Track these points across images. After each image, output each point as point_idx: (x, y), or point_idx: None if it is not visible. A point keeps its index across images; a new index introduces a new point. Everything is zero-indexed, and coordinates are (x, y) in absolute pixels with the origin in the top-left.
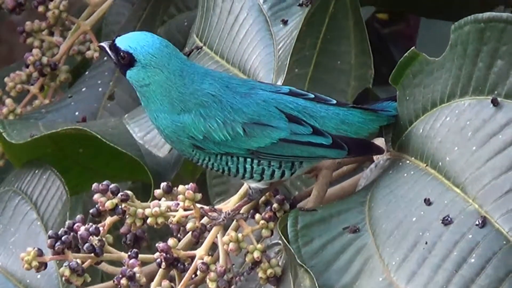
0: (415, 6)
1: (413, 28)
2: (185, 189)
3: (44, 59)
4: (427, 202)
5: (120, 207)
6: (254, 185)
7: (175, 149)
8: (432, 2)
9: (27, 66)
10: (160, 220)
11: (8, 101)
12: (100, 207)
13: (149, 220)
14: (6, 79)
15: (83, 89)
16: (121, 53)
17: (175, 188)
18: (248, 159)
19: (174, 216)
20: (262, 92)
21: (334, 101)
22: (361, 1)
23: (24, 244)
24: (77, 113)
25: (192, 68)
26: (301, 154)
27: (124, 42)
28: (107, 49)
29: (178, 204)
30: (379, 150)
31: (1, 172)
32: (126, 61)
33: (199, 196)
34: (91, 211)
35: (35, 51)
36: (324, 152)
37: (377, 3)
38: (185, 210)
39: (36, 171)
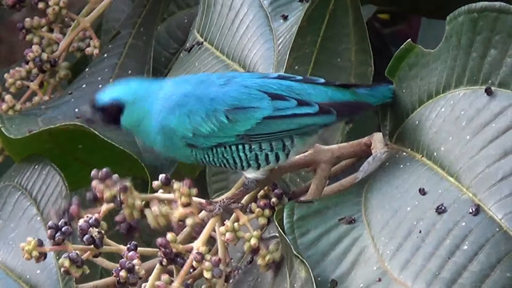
0: (416, 6)
1: (414, 28)
2: (180, 186)
3: (44, 56)
4: (422, 192)
5: (118, 198)
6: (251, 175)
7: (182, 160)
8: (432, 2)
9: (27, 63)
10: (161, 220)
11: (7, 97)
12: (98, 194)
13: (150, 222)
14: (5, 75)
15: (83, 86)
16: (108, 107)
17: (174, 180)
18: (240, 146)
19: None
20: (243, 79)
21: (322, 80)
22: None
23: (24, 239)
24: (76, 110)
25: (166, 82)
26: (288, 128)
27: (104, 96)
28: (89, 117)
29: (177, 202)
30: (368, 107)
31: (0, 167)
32: (116, 110)
33: (194, 191)
34: (87, 194)
35: (34, 47)
36: (311, 120)
37: (378, 2)
38: (183, 206)
39: (36, 166)
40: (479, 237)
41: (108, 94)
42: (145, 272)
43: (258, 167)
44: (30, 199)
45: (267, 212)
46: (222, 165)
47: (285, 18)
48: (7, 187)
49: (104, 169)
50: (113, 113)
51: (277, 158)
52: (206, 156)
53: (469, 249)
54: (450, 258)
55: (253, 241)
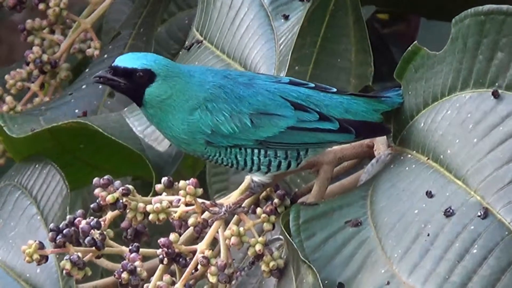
0: (416, 6)
1: (413, 29)
2: (186, 184)
3: (45, 57)
4: (429, 194)
5: (121, 201)
6: (257, 178)
7: (187, 152)
8: (432, 2)
9: (28, 64)
10: (162, 216)
11: (8, 98)
12: (101, 202)
13: (150, 217)
14: (6, 76)
15: (83, 87)
16: (138, 73)
17: (176, 183)
18: (256, 151)
19: (175, 212)
20: (263, 82)
21: (335, 89)
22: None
23: (24, 238)
24: (77, 111)
25: (192, 68)
26: (309, 141)
27: (132, 61)
28: (109, 76)
29: (180, 199)
30: (386, 131)
31: (1, 166)
32: (145, 79)
33: (200, 191)
34: (92, 206)
35: (35, 48)
36: (332, 137)
37: (377, 2)
38: (186, 205)
39: (37, 166)
40: (488, 241)
41: (139, 60)
42: (147, 270)
43: (267, 172)
44: (30, 198)
45: (272, 218)
46: (230, 165)
47: (286, 17)
48: (7, 187)
49: (106, 176)
50: (142, 80)
51: (288, 165)
52: (217, 154)
53: (479, 253)
54: (459, 262)
55: (258, 247)
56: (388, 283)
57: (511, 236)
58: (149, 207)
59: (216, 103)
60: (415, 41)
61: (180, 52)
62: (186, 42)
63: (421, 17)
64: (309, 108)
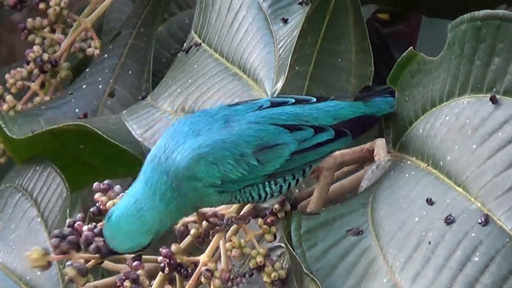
0: (416, 4)
1: (413, 28)
2: None
3: (45, 56)
4: (429, 202)
5: None
6: (267, 204)
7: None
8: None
9: (28, 63)
10: None
11: (8, 97)
12: (101, 206)
13: None
14: (6, 75)
15: (84, 86)
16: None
17: None
18: (266, 183)
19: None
20: (245, 115)
21: (315, 99)
22: None
23: (25, 241)
24: (77, 110)
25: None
26: (313, 158)
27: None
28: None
29: None
30: (378, 119)
31: (2, 169)
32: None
33: None
34: (92, 210)
35: (35, 47)
36: (332, 146)
37: (377, 1)
38: None
39: (37, 168)
40: (489, 248)
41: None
42: (146, 272)
43: (279, 195)
44: (30, 200)
45: (273, 229)
46: (247, 201)
47: (285, 21)
48: (8, 189)
49: (106, 181)
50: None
51: (297, 182)
52: (233, 198)
53: (480, 261)
54: (461, 270)
55: (259, 259)
56: None
57: None
58: None
59: (214, 156)
60: (411, 47)
61: (179, 55)
62: (185, 45)
63: (422, 15)
64: (302, 126)
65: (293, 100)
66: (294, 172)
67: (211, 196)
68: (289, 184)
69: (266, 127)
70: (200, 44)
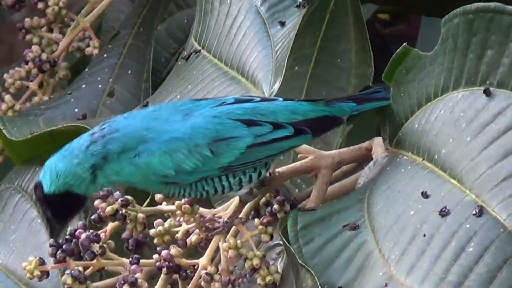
0: (416, 4)
1: (414, 28)
2: (181, 204)
3: (44, 56)
4: (424, 195)
5: (120, 212)
6: (241, 192)
7: (152, 191)
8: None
9: (27, 63)
10: (166, 238)
11: (7, 97)
12: (101, 213)
13: (155, 241)
14: (5, 75)
15: (83, 86)
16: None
17: None
18: (223, 177)
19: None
20: (204, 109)
21: (281, 99)
22: None
23: (25, 242)
24: (76, 110)
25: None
26: (271, 153)
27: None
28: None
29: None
30: (341, 121)
31: (1, 169)
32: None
33: (197, 208)
34: (92, 217)
35: (34, 47)
36: (290, 143)
37: (378, 1)
38: (187, 223)
39: (37, 169)
40: (483, 239)
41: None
42: (146, 273)
43: (240, 188)
44: (30, 201)
45: (270, 229)
46: (200, 195)
47: (282, 24)
48: (7, 190)
49: (105, 188)
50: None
51: (259, 175)
52: (183, 191)
53: (475, 251)
54: (455, 261)
55: (256, 262)
56: (386, 285)
57: (507, 233)
58: (152, 232)
59: (168, 146)
60: (405, 43)
61: (179, 62)
62: (184, 52)
63: (421, 15)
64: (261, 121)
65: (259, 99)
66: (256, 165)
67: (159, 185)
68: (250, 176)
69: (224, 121)
70: (200, 51)
